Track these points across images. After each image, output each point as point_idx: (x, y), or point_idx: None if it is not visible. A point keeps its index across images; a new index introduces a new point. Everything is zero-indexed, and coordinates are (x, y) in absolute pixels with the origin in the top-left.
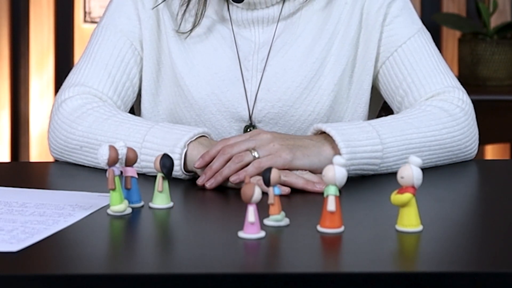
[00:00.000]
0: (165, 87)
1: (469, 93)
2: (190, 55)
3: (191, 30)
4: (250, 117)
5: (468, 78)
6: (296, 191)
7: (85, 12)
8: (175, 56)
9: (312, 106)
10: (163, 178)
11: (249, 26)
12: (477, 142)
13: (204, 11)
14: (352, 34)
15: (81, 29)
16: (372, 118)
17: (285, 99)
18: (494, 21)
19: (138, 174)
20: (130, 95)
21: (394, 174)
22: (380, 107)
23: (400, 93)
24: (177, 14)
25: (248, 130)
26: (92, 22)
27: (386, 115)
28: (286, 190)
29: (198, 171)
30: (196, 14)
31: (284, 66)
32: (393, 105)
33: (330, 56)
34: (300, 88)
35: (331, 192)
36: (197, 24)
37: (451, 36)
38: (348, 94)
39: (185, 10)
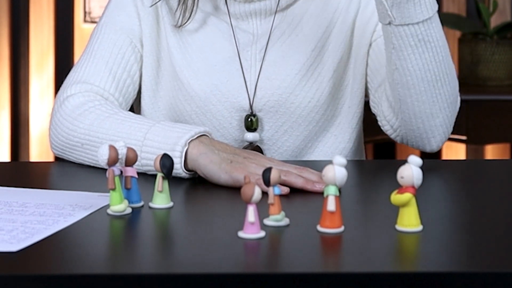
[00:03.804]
0: (165, 82)
1: (469, 93)
2: (189, 49)
3: (184, 23)
4: (251, 106)
5: (468, 78)
6: (296, 191)
7: (85, 12)
8: (174, 51)
9: (312, 93)
10: (163, 178)
11: (247, 18)
12: (449, 131)
13: (197, 4)
14: (350, 21)
15: (81, 29)
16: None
17: (285, 86)
18: (494, 21)
19: (138, 173)
20: (131, 92)
21: (394, 174)
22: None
23: (381, 74)
24: (176, 10)
25: (249, 119)
26: (92, 22)
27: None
28: (286, 190)
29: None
30: (190, 8)
31: (283, 54)
32: (373, 81)
33: (329, 43)
34: (299, 75)
35: (331, 192)
36: (191, 17)
37: (451, 36)
38: (346, 81)
39: (183, 5)
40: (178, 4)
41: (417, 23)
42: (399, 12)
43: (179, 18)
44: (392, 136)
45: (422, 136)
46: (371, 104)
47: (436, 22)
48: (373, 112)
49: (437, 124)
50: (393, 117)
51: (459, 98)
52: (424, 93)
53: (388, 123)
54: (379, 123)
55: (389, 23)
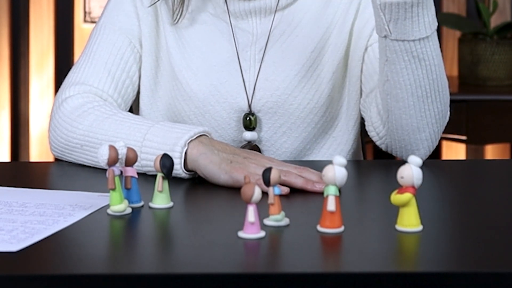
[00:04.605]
0: (164, 83)
1: (469, 93)
2: (188, 49)
3: (178, 19)
4: (249, 107)
5: (468, 78)
6: (296, 191)
7: (85, 12)
8: (173, 51)
9: (311, 95)
10: (163, 178)
11: (247, 17)
12: (434, 145)
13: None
14: (350, 22)
15: (81, 29)
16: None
17: (284, 87)
18: (494, 21)
19: (138, 173)
20: (130, 93)
21: (394, 174)
22: None
23: (374, 81)
24: (175, 10)
25: (248, 118)
26: (92, 22)
27: None
28: (285, 190)
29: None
30: (181, 3)
31: (282, 56)
32: (365, 87)
33: (329, 45)
34: (298, 76)
35: (331, 192)
36: (183, 12)
37: (451, 36)
38: (345, 83)
39: (181, 4)
40: (180, 4)
41: (413, 40)
42: (396, 27)
43: (177, 16)
44: (378, 143)
45: (407, 148)
46: (361, 108)
47: (434, 40)
48: (362, 116)
49: (423, 138)
50: (380, 125)
51: (448, 113)
52: (413, 107)
53: (374, 129)
54: (366, 128)
55: (385, 37)
